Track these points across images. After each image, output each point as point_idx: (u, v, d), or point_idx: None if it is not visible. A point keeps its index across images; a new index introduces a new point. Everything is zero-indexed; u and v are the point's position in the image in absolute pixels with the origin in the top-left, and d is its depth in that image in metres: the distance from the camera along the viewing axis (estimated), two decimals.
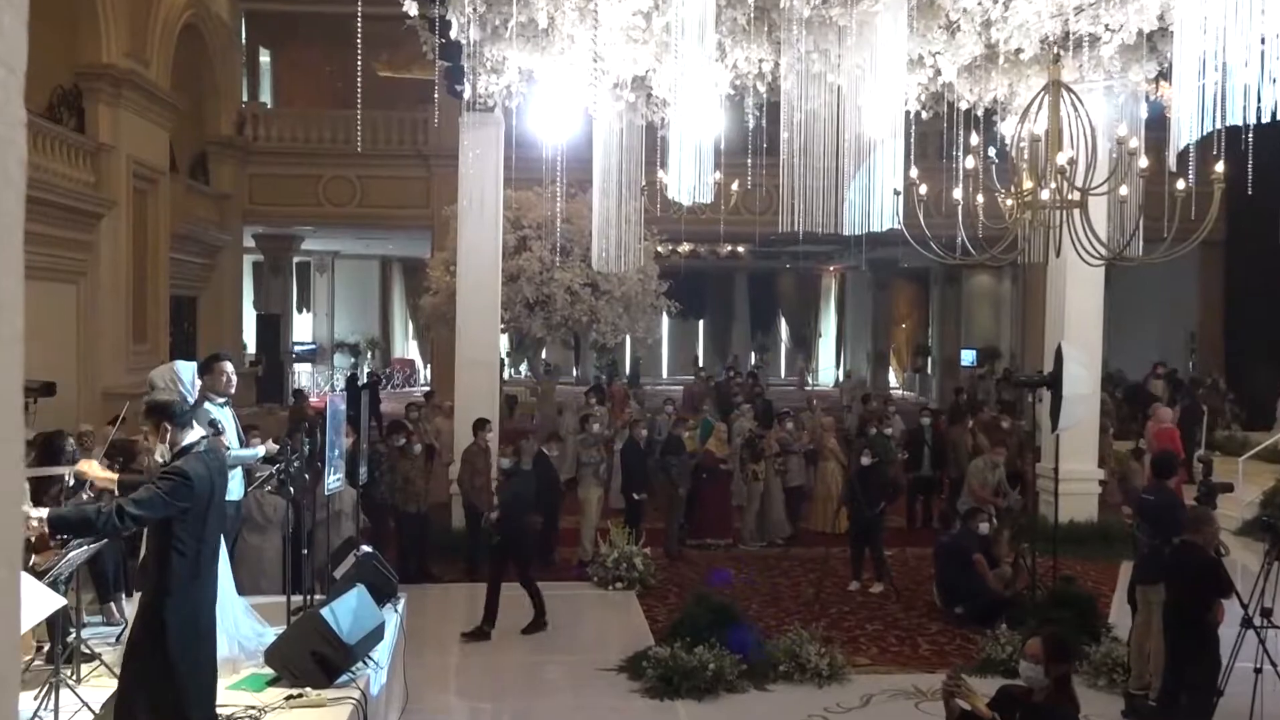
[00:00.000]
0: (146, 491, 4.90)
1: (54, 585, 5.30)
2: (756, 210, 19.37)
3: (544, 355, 24.53)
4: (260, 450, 7.42)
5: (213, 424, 7.37)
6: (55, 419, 11.14)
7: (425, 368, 36.56)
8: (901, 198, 9.58)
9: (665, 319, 30.47)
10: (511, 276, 17.46)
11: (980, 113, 12.16)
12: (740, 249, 33.13)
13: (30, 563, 6.06)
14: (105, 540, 5.70)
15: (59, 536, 4.98)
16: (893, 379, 37.53)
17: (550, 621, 10.56)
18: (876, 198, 10.38)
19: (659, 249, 20.85)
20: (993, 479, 13.28)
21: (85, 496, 6.76)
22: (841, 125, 10.77)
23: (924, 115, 12.20)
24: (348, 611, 6.44)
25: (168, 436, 5.17)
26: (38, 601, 4.52)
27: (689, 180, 8.59)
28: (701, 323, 41.69)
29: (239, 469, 7.45)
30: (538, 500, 13.47)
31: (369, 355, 37.50)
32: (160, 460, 5.18)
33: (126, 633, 5.65)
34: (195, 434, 5.24)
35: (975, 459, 13.72)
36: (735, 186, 13.89)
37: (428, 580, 12.38)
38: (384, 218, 24.80)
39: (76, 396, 13.89)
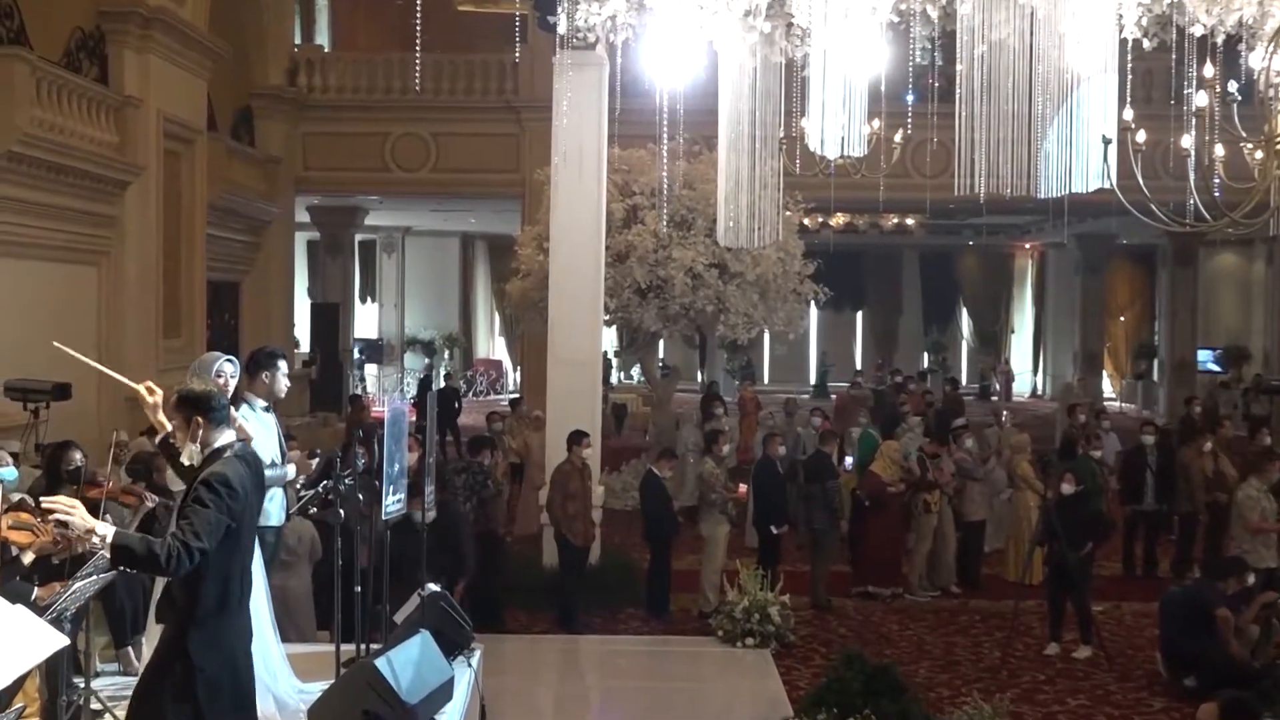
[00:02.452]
0: (197, 515, 5.00)
1: (58, 623, 5.48)
2: (927, 170, 19.05)
3: (659, 354, 24.56)
4: (288, 470, 7.62)
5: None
6: (74, 427, 11.57)
7: (514, 370, 37.06)
8: (1114, 148, 9.30)
9: (812, 309, 30.32)
10: (619, 255, 17.54)
11: (1220, 40, 11.74)
12: (909, 221, 32.73)
13: (32, 596, 6.31)
14: (117, 571, 5.87)
15: (119, 568, 5.18)
16: (1107, 387, 36.66)
17: (664, 685, 10.57)
18: (1081, 151, 10.10)
19: (804, 220, 20.71)
20: (1272, 509, 12.73)
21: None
22: (1037, 58, 10.52)
23: (1145, 44, 11.83)
24: (408, 663, 6.52)
25: (199, 434, 5.30)
26: (34, 641, 4.67)
27: (837, 129, 8.49)
28: (859, 315, 41.33)
29: (279, 490, 7.61)
30: (645, 534, 13.56)
31: (446, 355, 38.13)
32: (189, 463, 5.31)
33: None
34: (229, 435, 5.36)
35: (1244, 483, 13.14)
36: (899, 139, 13.65)
37: (510, 629, 12.52)
38: (464, 184, 25.17)
39: (96, 401, 14.36)
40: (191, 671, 5.10)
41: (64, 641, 5.08)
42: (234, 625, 5.25)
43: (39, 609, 5.61)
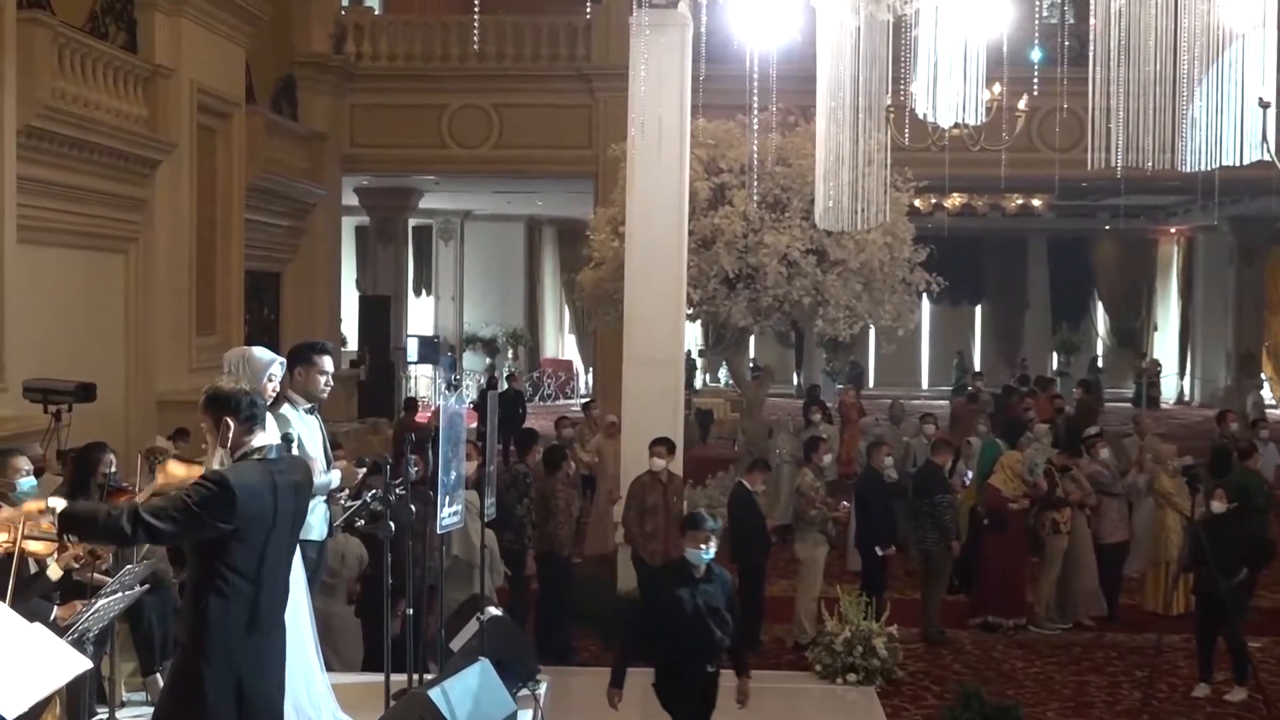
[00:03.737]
0: (168, 499, 5.12)
1: (79, 645, 5.59)
2: (1056, 143, 18.84)
3: (749, 353, 24.54)
4: (333, 477, 7.70)
5: (285, 438, 7.63)
6: (99, 432, 11.75)
7: (586, 372, 37.19)
8: (1273, 113, 9.14)
9: (925, 302, 30.06)
10: (703, 241, 17.53)
11: None
12: (1035, 201, 32.38)
13: (51, 616, 6.44)
14: (145, 588, 5.97)
15: (66, 536, 5.37)
16: (1266, 392, 36.01)
17: None
18: (1234, 119, 9.93)
19: (914, 201, 20.54)
20: None
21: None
22: (1182, 12, 10.36)
23: None
24: (466, 695, 6.57)
25: (229, 438, 5.38)
26: (54, 664, 4.77)
27: (952, 96, 8.43)
28: (978, 309, 40.97)
29: (321, 502, 7.70)
30: (733, 556, 13.53)
31: (510, 354, 38.32)
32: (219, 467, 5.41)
33: None
34: (264, 438, 5.45)
35: None
36: (1023, 106, 13.57)
37: (580, 661, 12.58)
38: (530, 162, 25.30)
39: (124, 403, 14.64)
40: (201, 705, 5.17)
41: (86, 665, 5.18)
42: (256, 655, 5.31)
43: (59, 629, 5.73)
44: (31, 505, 5.42)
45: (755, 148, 15.82)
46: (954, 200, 28.94)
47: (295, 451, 7.29)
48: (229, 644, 5.19)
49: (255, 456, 5.38)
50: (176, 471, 6.28)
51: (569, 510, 12.91)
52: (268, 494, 5.34)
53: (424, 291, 37.57)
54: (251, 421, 5.44)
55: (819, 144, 12.47)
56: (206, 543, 5.27)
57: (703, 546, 7.98)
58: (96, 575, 7.20)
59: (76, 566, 6.91)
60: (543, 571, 12.74)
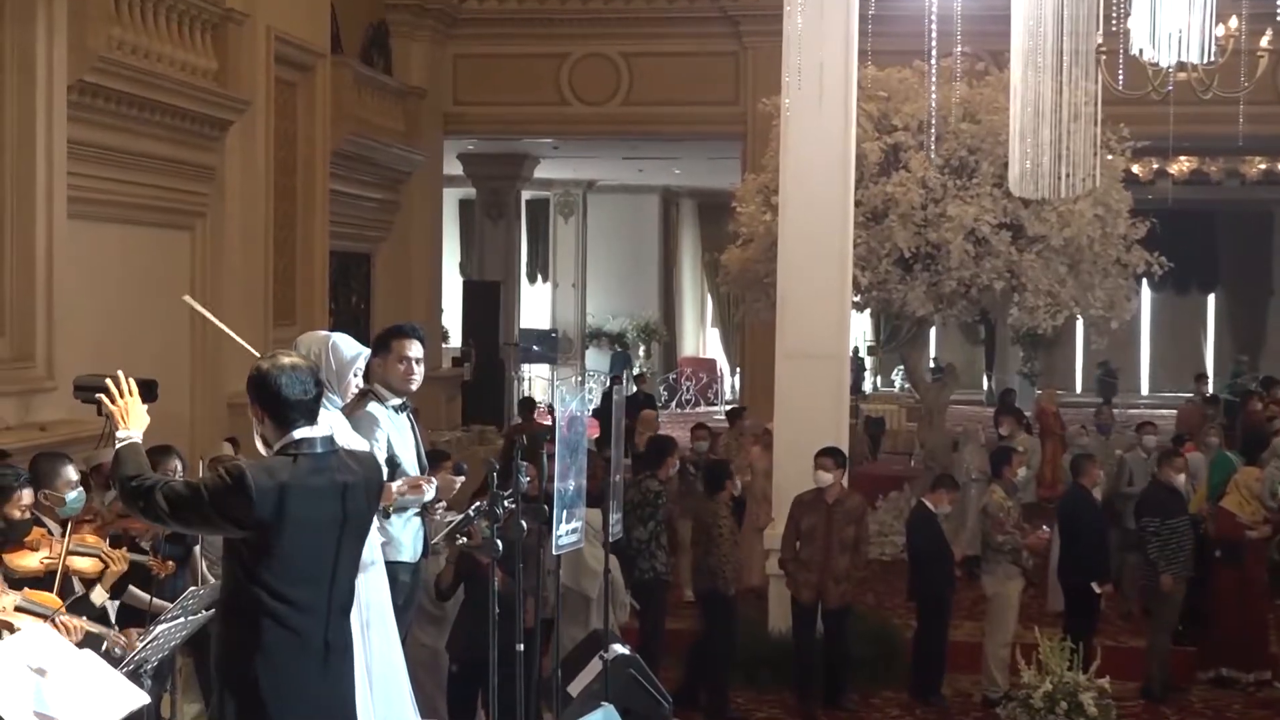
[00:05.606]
0: (186, 483, 5.24)
1: (135, 678, 5.71)
2: None
3: (929, 349, 24.34)
4: (426, 492, 7.74)
5: (390, 461, 7.70)
6: (162, 437, 11.96)
7: (732, 373, 37.13)
8: None
9: (1144, 288, 29.58)
10: (874, 213, 17.45)
11: None
12: None
13: (103, 646, 6.59)
14: (211, 612, 6.08)
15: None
16: None
17: None
18: None
19: (1132, 166, 20.24)
20: None
21: None
22: None
23: None
24: None
25: (261, 429, 5.53)
26: (107, 696, 4.88)
27: (1174, 31, 8.29)
28: (1211, 297, 40.21)
29: (412, 514, 7.78)
30: (911, 592, 13.43)
31: (642, 350, 38.37)
32: None
33: None
34: (311, 431, 5.51)
35: None
36: (1266, 44, 13.18)
37: (733, 715, 12.55)
38: (667, 121, 25.38)
39: (190, 402, 14.83)
40: None
41: (143, 699, 5.30)
42: (304, 689, 5.36)
43: (113, 659, 5.86)
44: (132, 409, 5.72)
45: (935, 101, 15.71)
46: (1181, 165, 28.41)
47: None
48: (262, 678, 5.26)
49: (290, 452, 5.44)
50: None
51: (733, 539, 12.85)
52: (306, 497, 5.37)
53: (540, 277, 37.80)
54: (288, 417, 5.50)
55: (1014, 95, 12.37)
56: (238, 555, 5.37)
57: None
58: (157, 600, 7.35)
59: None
60: (704, 612, 12.77)
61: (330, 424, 6.34)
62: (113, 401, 5.73)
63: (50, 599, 6.61)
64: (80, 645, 6.96)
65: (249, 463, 5.41)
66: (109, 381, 5.77)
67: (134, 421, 5.67)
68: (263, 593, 5.30)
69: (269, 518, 5.27)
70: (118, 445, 5.54)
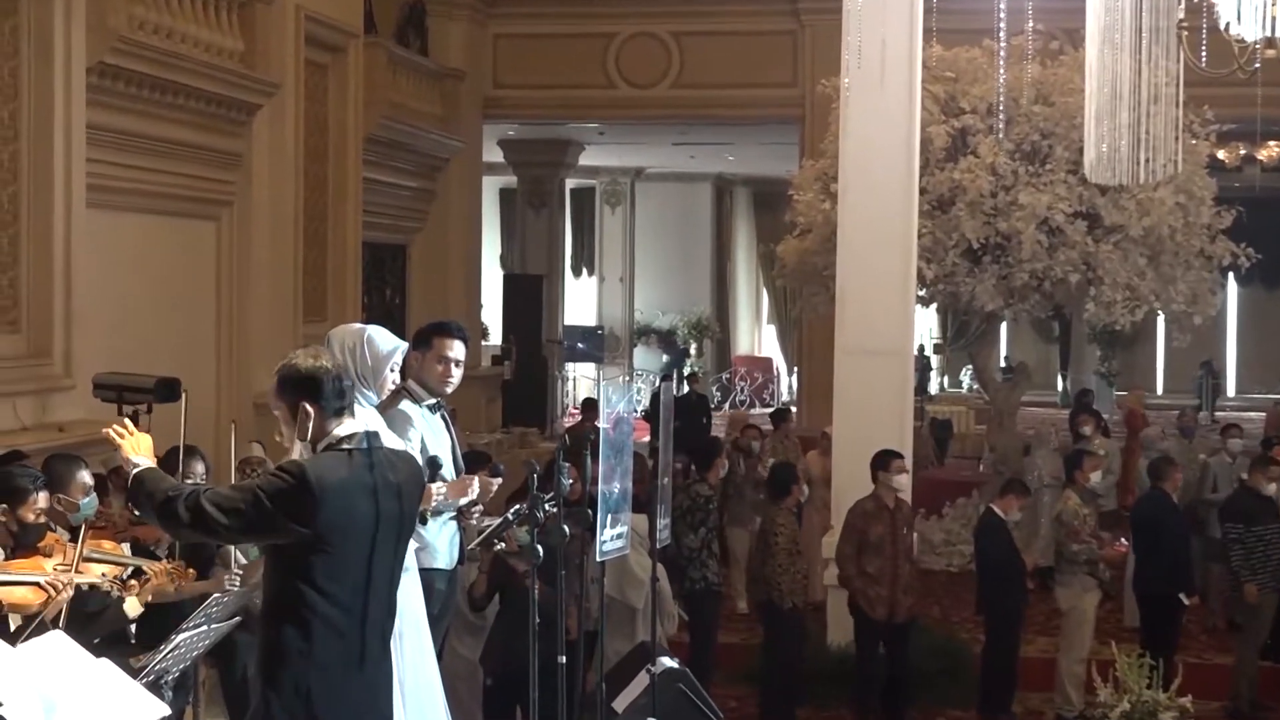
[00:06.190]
0: (236, 487, 5.23)
1: (155, 689, 5.73)
2: None
3: (1000, 347, 24.25)
4: (472, 490, 7.75)
5: (432, 463, 7.71)
6: (188, 436, 12.00)
7: (790, 373, 37.08)
8: None
9: (1230, 281, 29.37)
10: (940, 201, 17.39)
11: None
12: None
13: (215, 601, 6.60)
14: (237, 623, 6.10)
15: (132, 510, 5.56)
16: None
17: None
18: None
19: (1217, 151, 20.11)
20: None
21: None
22: None
23: None
24: None
25: (309, 427, 5.45)
26: (123, 708, 4.89)
27: (1261, 1, 8.24)
28: None
29: (447, 518, 7.79)
30: (980, 605, 13.38)
31: (693, 349, 38.34)
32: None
33: None
34: (352, 425, 5.52)
35: None
36: None
37: None
38: (720, 104, 25.35)
39: (215, 402, 14.88)
40: None
41: (163, 712, 5.31)
42: (348, 693, 5.36)
43: (132, 670, 5.88)
44: (130, 441, 5.60)
45: (1005, 81, 15.66)
46: (1269, 149, 28.17)
47: (439, 471, 7.42)
48: (311, 683, 5.28)
49: (343, 447, 5.44)
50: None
51: (792, 549, 12.80)
52: (360, 495, 5.39)
53: (585, 270, 37.83)
54: (338, 406, 5.50)
55: (1089, 75, 12.31)
56: (285, 554, 5.36)
57: None
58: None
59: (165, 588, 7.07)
60: (765, 626, 12.78)
61: (368, 421, 6.37)
62: (119, 437, 5.65)
63: (114, 546, 6.65)
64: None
65: (307, 460, 5.40)
66: (112, 431, 5.69)
67: (144, 454, 5.61)
68: (315, 595, 5.32)
69: (333, 516, 5.29)
70: (133, 471, 5.47)
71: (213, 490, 5.38)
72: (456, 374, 8.08)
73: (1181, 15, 11.96)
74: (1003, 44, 14.09)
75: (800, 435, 19.91)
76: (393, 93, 21.85)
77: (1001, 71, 15.23)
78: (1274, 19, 8.48)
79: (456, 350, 8.04)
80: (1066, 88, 16.82)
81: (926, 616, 14.57)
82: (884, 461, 12.73)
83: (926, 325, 31.15)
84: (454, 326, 8.30)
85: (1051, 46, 17.16)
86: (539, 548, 7.16)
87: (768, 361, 39.40)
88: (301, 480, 5.23)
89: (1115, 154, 12.24)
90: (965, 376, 35.50)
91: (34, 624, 6.40)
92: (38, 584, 6.57)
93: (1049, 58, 17.28)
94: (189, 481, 8.76)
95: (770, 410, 25.16)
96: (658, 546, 9.24)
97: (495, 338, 30.52)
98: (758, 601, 12.74)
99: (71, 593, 6.68)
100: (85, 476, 8.09)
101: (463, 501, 7.76)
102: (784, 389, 37.57)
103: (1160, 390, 37.92)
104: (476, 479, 8.09)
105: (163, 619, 7.22)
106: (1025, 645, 13.73)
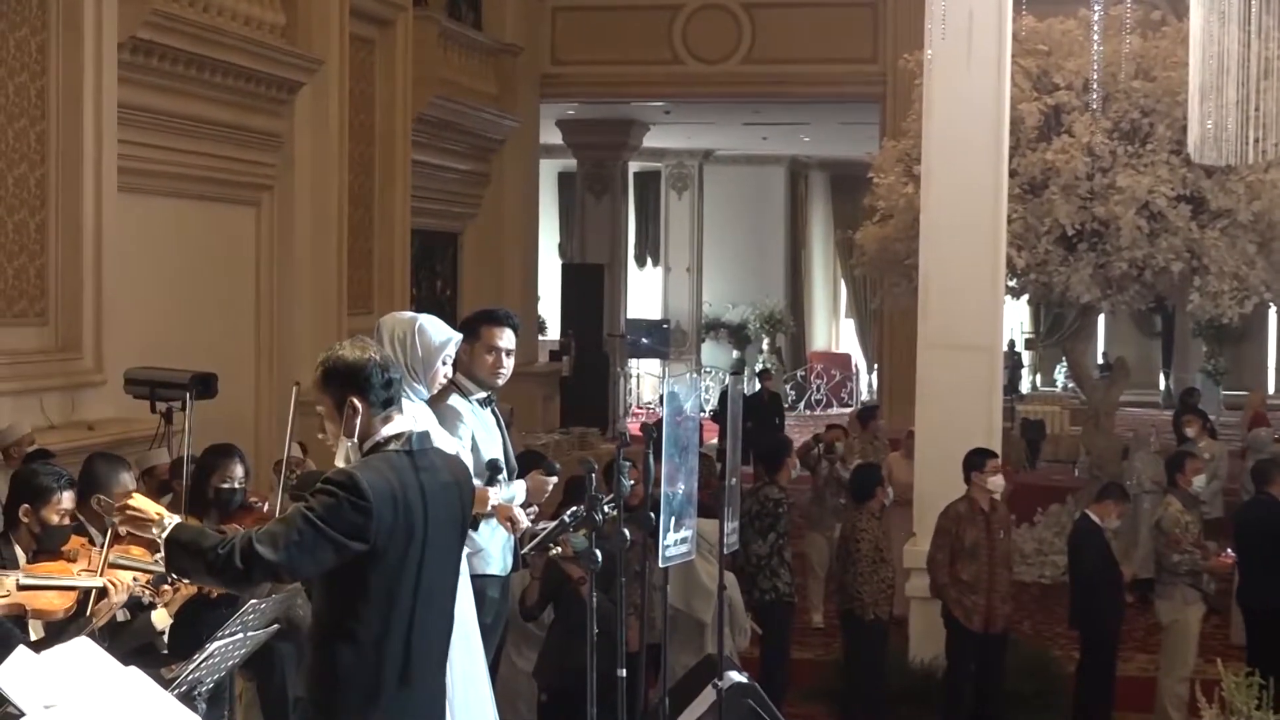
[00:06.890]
0: (285, 520, 5.17)
1: (188, 701, 5.76)
2: None
3: (1097, 342, 24.14)
4: (514, 492, 7.77)
5: (492, 465, 7.74)
6: (222, 436, 12.07)
7: (870, 371, 37.01)
8: None
9: None
10: (1032, 185, 17.34)
11: None
12: None
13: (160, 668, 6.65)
14: (275, 630, 6.12)
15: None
16: None
17: None
18: None
19: None
20: None
21: None
22: None
23: None
24: None
25: (355, 424, 5.41)
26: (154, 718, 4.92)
27: None
28: None
29: (495, 523, 7.79)
30: (1074, 618, 13.31)
31: (765, 344, 38.29)
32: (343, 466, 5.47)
33: None
34: (400, 425, 5.50)
35: None
36: None
37: None
38: (794, 81, 25.40)
39: (254, 399, 14.94)
40: None
41: None
42: (404, 711, 5.37)
43: (164, 681, 5.92)
44: (143, 504, 5.52)
45: (1103, 55, 15.59)
46: None
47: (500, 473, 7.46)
48: (366, 704, 5.28)
49: (391, 448, 5.40)
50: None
51: (875, 557, 12.76)
52: (412, 498, 5.34)
53: (649, 260, 37.86)
54: (387, 402, 5.45)
55: (1194, 48, 12.25)
56: (336, 569, 5.28)
57: None
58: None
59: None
60: (845, 639, 12.81)
61: (416, 417, 6.37)
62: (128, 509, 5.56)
63: (143, 552, 6.65)
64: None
65: (356, 466, 5.33)
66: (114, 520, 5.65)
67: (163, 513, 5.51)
68: (369, 609, 5.28)
69: (388, 527, 5.24)
70: (164, 535, 5.32)
71: (259, 530, 5.24)
72: (508, 364, 8.12)
73: None
74: (1099, 14, 14.02)
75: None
76: (444, 69, 21.90)
77: (1098, 44, 15.19)
78: None
79: (507, 339, 8.08)
80: (1169, 61, 16.72)
81: (1017, 631, 14.55)
82: (978, 461, 12.69)
83: (1017, 319, 31.04)
84: (503, 314, 8.34)
85: (1153, 17, 17.07)
86: (597, 553, 7.16)
87: (845, 358, 39.29)
88: (356, 491, 5.16)
89: (1222, 133, 12.18)
90: (1059, 374, 35.33)
91: (86, 627, 6.45)
92: (75, 588, 6.64)
93: (1150, 29, 17.20)
94: (225, 486, 8.89)
95: (851, 410, 25.14)
96: (726, 552, 9.22)
97: (553, 332, 30.55)
98: (839, 612, 12.72)
99: (126, 596, 6.73)
100: (128, 480, 8.08)
101: (516, 502, 7.78)
102: (863, 387, 37.52)
103: (1271, 389, 37.62)
104: (552, 480, 8.16)
105: (196, 628, 7.25)
106: (1123, 663, 13.72)
